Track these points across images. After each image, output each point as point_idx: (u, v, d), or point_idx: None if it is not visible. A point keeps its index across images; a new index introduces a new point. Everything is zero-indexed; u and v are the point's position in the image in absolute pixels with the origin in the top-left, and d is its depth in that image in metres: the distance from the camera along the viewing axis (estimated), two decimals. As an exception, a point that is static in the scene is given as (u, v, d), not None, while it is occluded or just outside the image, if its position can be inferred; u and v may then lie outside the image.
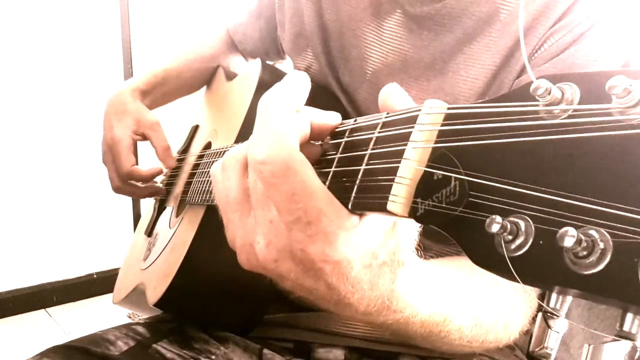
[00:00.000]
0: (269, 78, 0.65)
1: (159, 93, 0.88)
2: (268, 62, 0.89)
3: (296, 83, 0.34)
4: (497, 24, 0.56)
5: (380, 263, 0.33)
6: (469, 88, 0.58)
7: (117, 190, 0.81)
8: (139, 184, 0.83)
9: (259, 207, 0.33)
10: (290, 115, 0.32)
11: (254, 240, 0.33)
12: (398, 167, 0.29)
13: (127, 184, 0.78)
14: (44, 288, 2.01)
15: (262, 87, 0.63)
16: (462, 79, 0.59)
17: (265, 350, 0.65)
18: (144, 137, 0.80)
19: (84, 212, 2.06)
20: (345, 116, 0.68)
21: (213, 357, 0.64)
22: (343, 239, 0.31)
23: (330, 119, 0.37)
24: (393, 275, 0.34)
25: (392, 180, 0.29)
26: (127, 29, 2.08)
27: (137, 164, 0.78)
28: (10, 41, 1.82)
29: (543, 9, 0.54)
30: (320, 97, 0.70)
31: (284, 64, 0.87)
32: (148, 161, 0.79)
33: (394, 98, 0.33)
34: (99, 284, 2.08)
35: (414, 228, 0.34)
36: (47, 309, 2.01)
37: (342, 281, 0.32)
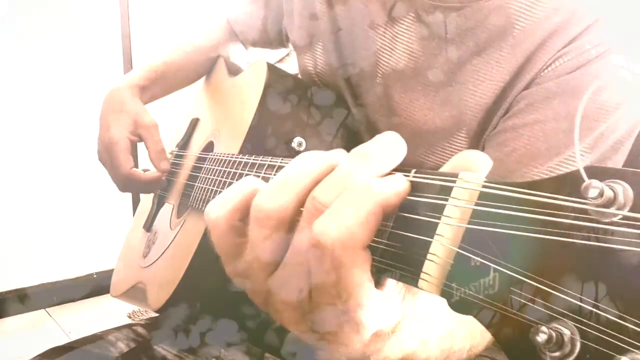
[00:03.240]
0: (275, 82, 0.63)
1: (158, 87, 0.84)
2: (270, 50, 0.87)
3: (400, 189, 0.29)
4: (509, 40, 0.56)
5: None
6: (475, 102, 0.58)
7: (123, 190, 0.79)
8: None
9: (292, 262, 0.30)
10: (379, 214, 0.28)
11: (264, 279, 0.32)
12: (431, 242, 0.27)
13: (128, 184, 0.75)
14: (44, 288, 2.01)
15: (269, 91, 0.61)
16: (470, 92, 0.58)
17: (267, 354, 0.66)
18: (141, 139, 0.77)
19: (83, 212, 2.04)
20: (351, 119, 0.67)
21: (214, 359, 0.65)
22: None
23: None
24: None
25: (424, 256, 0.27)
26: (127, 28, 2.04)
27: (136, 165, 0.75)
28: (10, 40, 1.78)
29: (556, 28, 0.54)
30: (324, 97, 0.67)
31: (288, 65, 0.83)
32: (148, 162, 0.76)
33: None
34: (99, 284, 2.06)
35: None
36: (47, 309, 2.00)
37: None
